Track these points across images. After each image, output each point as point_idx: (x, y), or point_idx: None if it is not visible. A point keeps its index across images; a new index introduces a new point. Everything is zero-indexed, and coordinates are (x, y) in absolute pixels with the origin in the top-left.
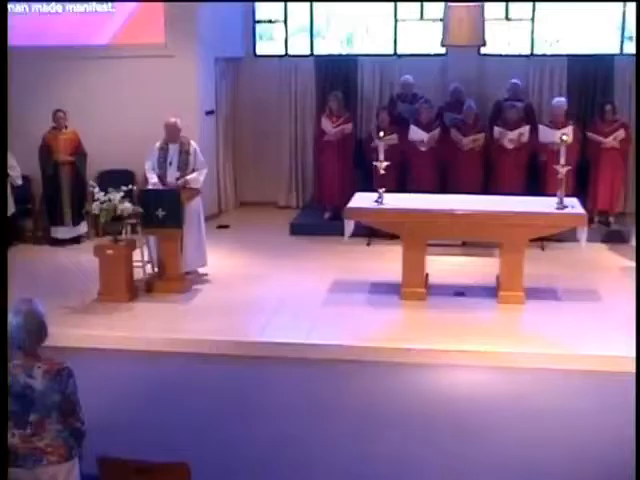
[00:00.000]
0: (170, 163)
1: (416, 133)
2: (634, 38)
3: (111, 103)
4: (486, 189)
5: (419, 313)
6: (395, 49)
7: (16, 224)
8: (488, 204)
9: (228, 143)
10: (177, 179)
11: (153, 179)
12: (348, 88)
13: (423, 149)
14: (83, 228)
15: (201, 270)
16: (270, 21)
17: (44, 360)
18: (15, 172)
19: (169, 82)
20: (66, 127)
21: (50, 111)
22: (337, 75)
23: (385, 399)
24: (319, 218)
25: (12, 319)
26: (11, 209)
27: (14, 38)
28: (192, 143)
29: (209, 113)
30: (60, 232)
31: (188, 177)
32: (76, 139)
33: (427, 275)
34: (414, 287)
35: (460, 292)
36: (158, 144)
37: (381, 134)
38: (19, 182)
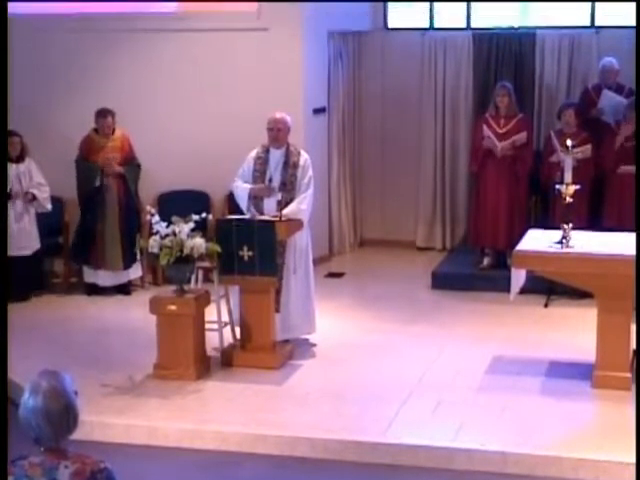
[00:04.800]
0: (270, 179)
1: None
2: None
3: (178, 96)
4: None
5: (621, 409)
6: (592, 18)
7: (41, 265)
8: None
9: (345, 155)
10: (278, 203)
11: (240, 188)
12: (521, 76)
13: None
14: (135, 272)
15: (302, 336)
16: None
17: (73, 457)
18: (43, 193)
19: (262, 65)
20: (113, 131)
21: (89, 105)
22: (505, 57)
23: None
24: (474, 266)
25: (28, 400)
26: (35, 245)
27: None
28: (303, 153)
29: (318, 111)
30: (102, 277)
31: (285, 211)
32: (126, 146)
33: (635, 353)
34: (614, 370)
35: None
36: (255, 153)
37: (568, 143)
38: (48, 207)
